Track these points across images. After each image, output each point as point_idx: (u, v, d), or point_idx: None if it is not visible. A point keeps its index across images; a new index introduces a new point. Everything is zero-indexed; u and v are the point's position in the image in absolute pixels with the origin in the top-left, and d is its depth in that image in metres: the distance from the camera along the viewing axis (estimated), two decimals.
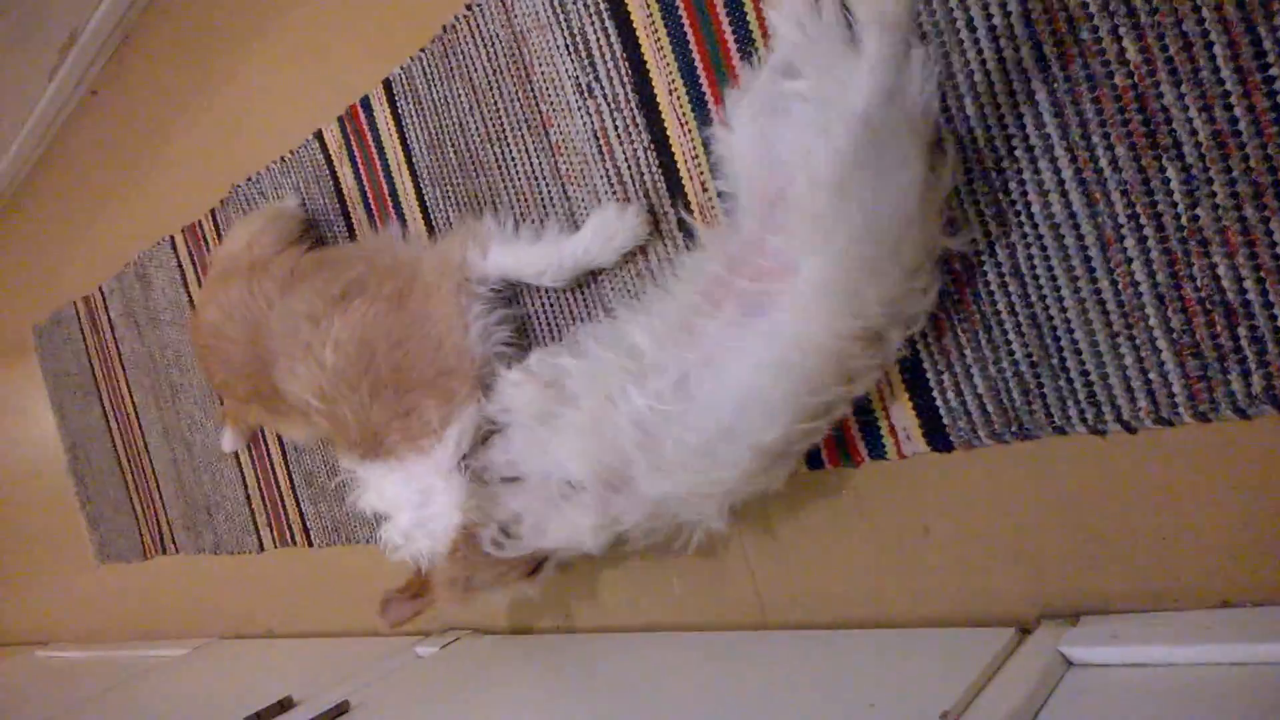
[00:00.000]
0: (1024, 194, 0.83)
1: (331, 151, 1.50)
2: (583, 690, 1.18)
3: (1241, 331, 0.75)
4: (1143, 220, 0.77)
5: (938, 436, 0.93)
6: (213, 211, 1.82)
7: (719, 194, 1.01)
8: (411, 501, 1.17)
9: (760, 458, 0.89)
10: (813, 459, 1.01)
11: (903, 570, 0.98)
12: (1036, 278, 0.84)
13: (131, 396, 2.23)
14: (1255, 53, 0.70)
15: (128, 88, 2.06)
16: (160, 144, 1.98)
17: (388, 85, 1.37)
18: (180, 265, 1.96)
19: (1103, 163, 0.78)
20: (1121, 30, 0.76)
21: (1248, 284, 0.74)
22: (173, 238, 1.95)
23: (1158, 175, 0.76)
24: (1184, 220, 0.76)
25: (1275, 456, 0.75)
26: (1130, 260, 0.79)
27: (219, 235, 1.82)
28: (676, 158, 1.06)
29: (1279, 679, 0.71)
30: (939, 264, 0.86)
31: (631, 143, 1.09)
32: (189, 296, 1.96)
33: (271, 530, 1.90)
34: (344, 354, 1.19)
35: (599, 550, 1.02)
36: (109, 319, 2.21)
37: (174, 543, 2.22)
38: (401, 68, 1.34)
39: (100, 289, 2.21)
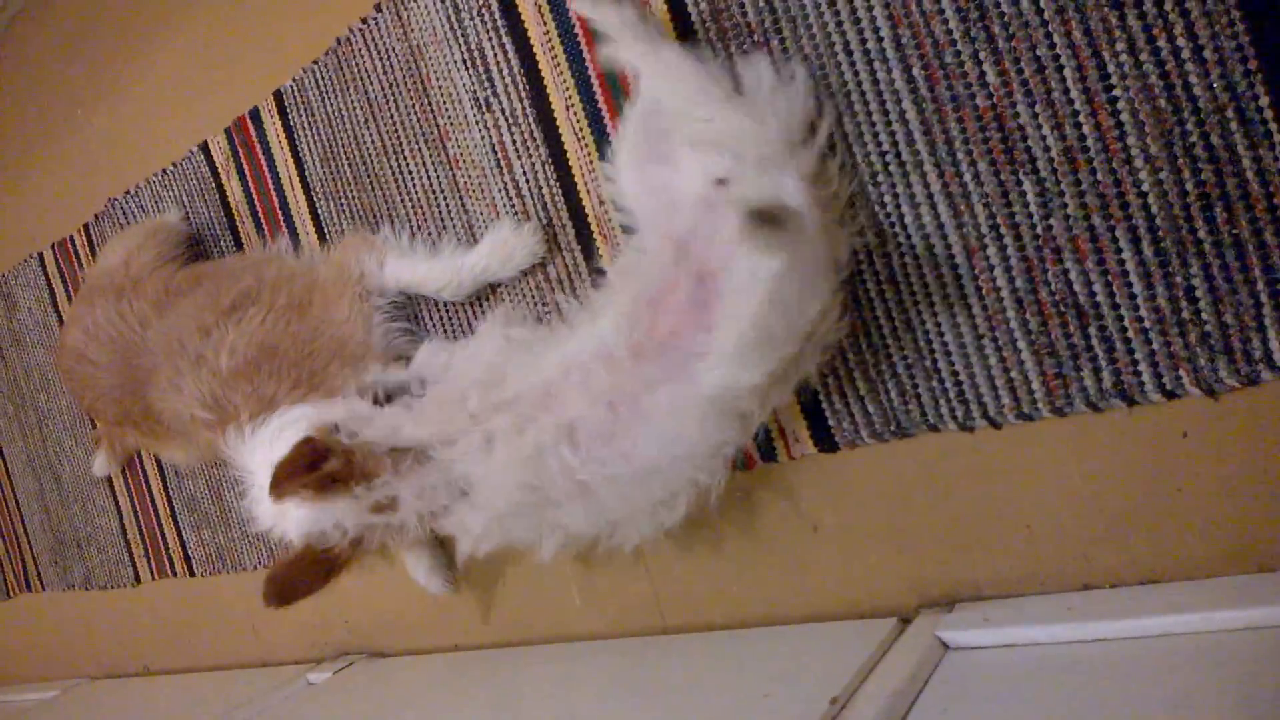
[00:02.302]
0: (898, 207, 0.89)
1: (218, 164, 1.46)
2: (484, 706, 1.16)
3: (1092, 331, 0.82)
4: (1002, 230, 0.84)
5: (824, 437, 0.97)
6: (86, 226, 1.74)
7: (622, 228, 1.02)
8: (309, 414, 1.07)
9: (692, 486, 0.90)
10: None
11: (794, 568, 1.01)
12: (910, 285, 0.89)
13: None
14: (1100, 75, 0.78)
15: None
16: (29, 156, 1.88)
17: (279, 97, 1.34)
18: (50, 284, 1.86)
19: (966, 177, 0.85)
20: (981, 55, 0.82)
21: (1096, 288, 0.81)
22: (41, 255, 1.85)
23: (1015, 188, 0.83)
24: (1039, 229, 0.82)
25: (1123, 446, 0.82)
26: (992, 267, 0.85)
27: (93, 252, 1.73)
28: (574, 172, 1.08)
29: (1135, 652, 0.77)
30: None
31: (529, 157, 1.11)
32: (59, 316, 1.85)
33: (149, 561, 1.81)
34: (242, 357, 1.16)
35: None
36: None
37: (40, 579, 2.09)
38: (294, 79, 1.32)
39: None
